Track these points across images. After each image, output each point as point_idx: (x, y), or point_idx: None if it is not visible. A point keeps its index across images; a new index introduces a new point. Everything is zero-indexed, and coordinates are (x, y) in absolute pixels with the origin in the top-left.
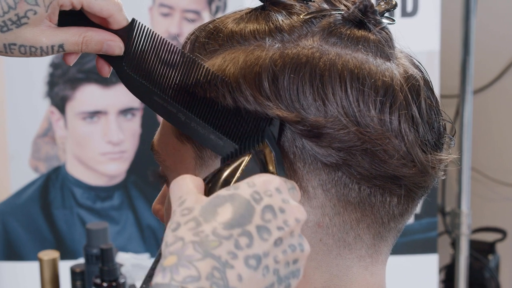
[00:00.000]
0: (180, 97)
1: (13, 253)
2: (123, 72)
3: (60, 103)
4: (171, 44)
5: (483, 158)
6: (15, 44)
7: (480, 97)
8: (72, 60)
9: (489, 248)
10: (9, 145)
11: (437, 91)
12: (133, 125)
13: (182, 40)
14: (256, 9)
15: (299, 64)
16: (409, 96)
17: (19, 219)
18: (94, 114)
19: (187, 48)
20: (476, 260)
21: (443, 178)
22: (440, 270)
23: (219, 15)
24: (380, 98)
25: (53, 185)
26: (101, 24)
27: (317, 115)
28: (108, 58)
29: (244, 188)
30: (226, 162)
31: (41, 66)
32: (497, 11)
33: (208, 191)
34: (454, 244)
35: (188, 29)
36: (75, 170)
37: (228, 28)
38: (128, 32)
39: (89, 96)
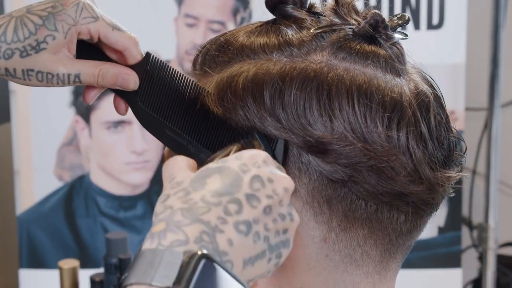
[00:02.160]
0: (191, 128)
1: (37, 261)
2: (137, 107)
3: (85, 112)
4: (185, 77)
5: None
6: (32, 70)
7: (508, 110)
8: (91, 98)
9: None
10: (34, 153)
11: (462, 104)
12: None
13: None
14: (267, 22)
15: (307, 79)
16: (418, 112)
17: (43, 227)
18: (119, 123)
19: (199, 61)
20: (503, 275)
21: (451, 195)
22: (467, 285)
23: None
24: (387, 115)
25: (77, 194)
26: (117, 59)
27: (323, 131)
28: (123, 94)
29: (232, 161)
30: (216, 152)
31: None
32: None
33: None
34: (481, 258)
35: None
36: (99, 179)
37: (239, 42)
38: (143, 66)
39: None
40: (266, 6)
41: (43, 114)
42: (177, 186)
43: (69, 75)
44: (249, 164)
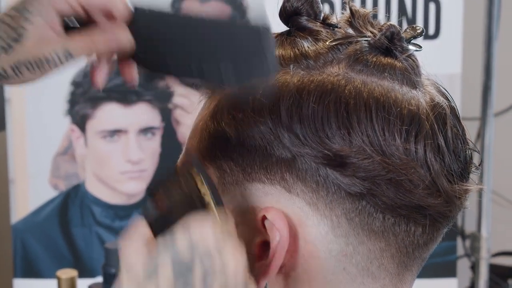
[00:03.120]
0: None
1: (32, 271)
2: (141, 61)
3: (80, 121)
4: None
5: (505, 181)
6: (20, 62)
7: (501, 119)
8: (100, 81)
9: (509, 272)
10: (29, 162)
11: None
12: (153, 144)
13: None
14: (282, 34)
15: (324, 92)
16: (435, 125)
17: (37, 237)
18: (114, 132)
19: None
20: (495, 284)
21: (467, 208)
22: None
23: None
24: (405, 127)
25: (72, 203)
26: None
27: (342, 144)
28: (127, 56)
29: (183, 248)
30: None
31: (62, 84)
32: None
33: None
34: (474, 267)
35: None
36: (95, 189)
37: None
38: (135, 22)
39: (109, 114)
40: (280, 18)
41: (38, 123)
42: (130, 271)
43: (57, 53)
44: (202, 253)
